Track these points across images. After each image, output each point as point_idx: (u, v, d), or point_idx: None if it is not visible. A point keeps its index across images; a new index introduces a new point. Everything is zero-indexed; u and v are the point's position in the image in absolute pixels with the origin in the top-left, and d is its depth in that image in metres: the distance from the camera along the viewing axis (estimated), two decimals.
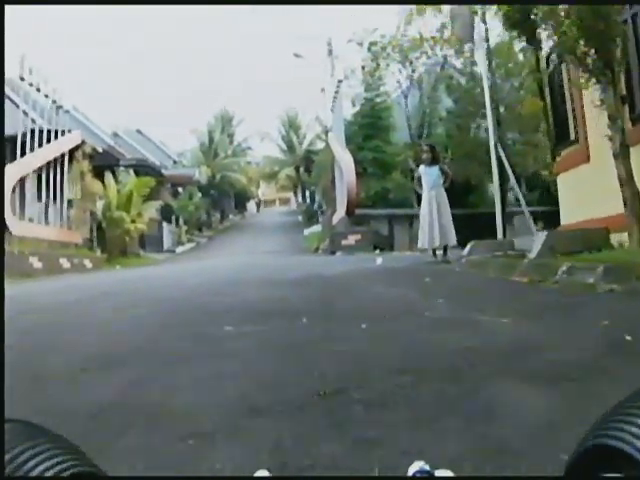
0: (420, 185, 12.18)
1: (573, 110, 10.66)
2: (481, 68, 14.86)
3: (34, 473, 0.47)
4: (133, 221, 27.91)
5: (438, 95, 29.52)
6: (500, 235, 13.20)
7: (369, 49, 26.62)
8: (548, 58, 12.25)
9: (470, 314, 4.98)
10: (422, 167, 12.19)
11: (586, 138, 10.07)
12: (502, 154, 14.08)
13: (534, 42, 16.15)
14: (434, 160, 12.14)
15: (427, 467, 0.72)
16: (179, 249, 36.66)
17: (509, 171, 14.28)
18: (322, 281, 9.02)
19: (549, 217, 32.03)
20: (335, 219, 27.83)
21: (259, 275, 10.94)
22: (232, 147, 57.19)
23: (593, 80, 8.26)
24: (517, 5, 9.20)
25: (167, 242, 36.87)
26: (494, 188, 13.54)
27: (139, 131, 51.98)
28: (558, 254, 8.38)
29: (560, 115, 11.55)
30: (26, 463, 0.48)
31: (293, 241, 34.91)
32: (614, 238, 8.93)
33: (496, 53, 28.69)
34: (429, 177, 11.94)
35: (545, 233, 8.75)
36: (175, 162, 51.30)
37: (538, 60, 16.38)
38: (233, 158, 55.33)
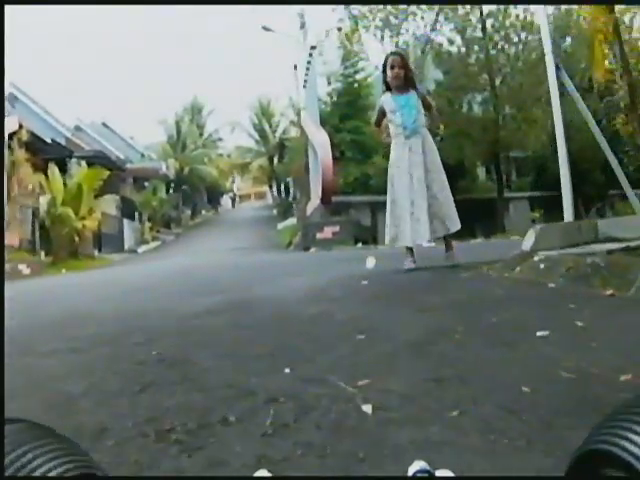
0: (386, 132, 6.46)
1: None
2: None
3: (36, 474, 0.45)
4: (83, 218, 22.71)
5: (426, 65, 24.01)
6: (569, 217, 7.66)
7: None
8: None
9: None
10: (387, 96, 6.30)
11: None
12: (582, 106, 8.14)
13: None
14: (408, 82, 6.29)
15: (427, 467, 0.71)
16: (142, 248, 31.22)
17: (597, 132, 8.22)
18: (255, 333, 3.39)
19: (546, 203, 27.33)
20: (309, 209, 22.48)
21: (146, 304, 5.32)
22: (202, 139, 51.15)
23: None
24: None
25: (129, 241, 31.59)
26: (561, 158, 7.78)
27: (105, 124, 46.33)
28: None
29: None
30: (28, 464, 0.46)
31: (265, 236, 29.71)
32: None
33: (491, 14, 23.43)
34: (403, 112, 6.18)
35: None
36: (143, 155, 45.65)
37: None
38: (203, 150, 49.37)
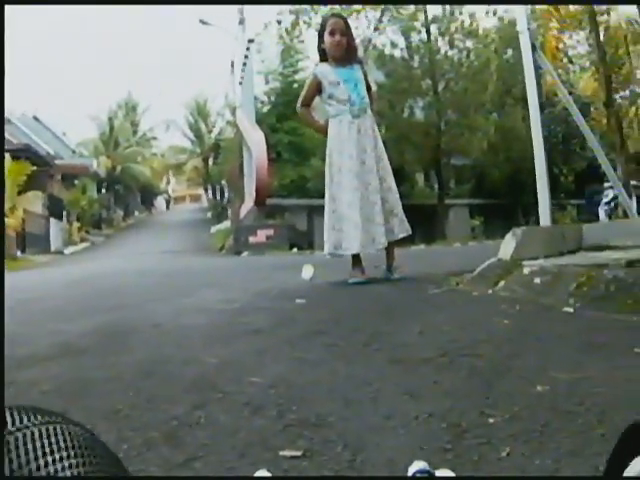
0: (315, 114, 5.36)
1: None
2: None
3: (42, 473, 0.39)
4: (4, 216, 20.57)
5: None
6: (547, 221, 6.36)
7: None
8: None
9: None
10: (325, 66, 4.84)
11: None
12: (562, 90, 6.62)
13: None
14: (351, 53, 4.88)
15: (427, 467, 0.69)
16: (69, 249, 28.80)
17: (587, 132, 6.66)
18: None
19: (485, 211, 26.44)
20: (243, 211, 20.86)
21: None
22: (136, 137, 48.23)
23: None
24: None
25: (55, 241, 29.10)
26: (538, 161, 6.38)
27: (36, 118, 43.26)
28: None
29: None
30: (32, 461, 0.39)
31: (198, 240, 27.75)
32: None
33: (437, 19, 22.36)
34: (349, 85, 4.76)
35: None
36: (74, 152, 42.86)
37: None
38: (136, 148, 46.63)
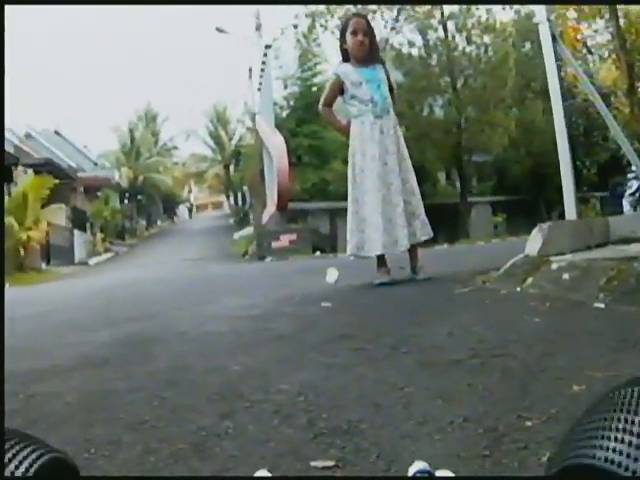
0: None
1: None
2: None
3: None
4: (29, 229, 20.79)
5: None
6: (573, 215, 6.24)
7: None
8: None
9: None
10: (347, 66, 4.74)
11: None
12: (591, 89, 6.46)
13: None
14: (373, 52, 4.79)
15: (427, 467, 0.68)
16: (93, 260, 29.15)
17: (611, 122, 6.50)
18: None
19: (508, 207, 26.17)
20: (265, 217, 20.88)
21: None
22: (157, 147, 48.61)
23: None
24: None
25: (79, 253, 29.39)
26: (562, 154, 6.24)
27: (57, 132, 43.82)
28: None
29: None
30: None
31: (221, 246, 28.04)
32: None
33: (453, 15, 22.24)
34: (371, 85, 4.67)
35: None
36: (96, 164, 43.29)
37: None
38: (158, 158, 46.98)
